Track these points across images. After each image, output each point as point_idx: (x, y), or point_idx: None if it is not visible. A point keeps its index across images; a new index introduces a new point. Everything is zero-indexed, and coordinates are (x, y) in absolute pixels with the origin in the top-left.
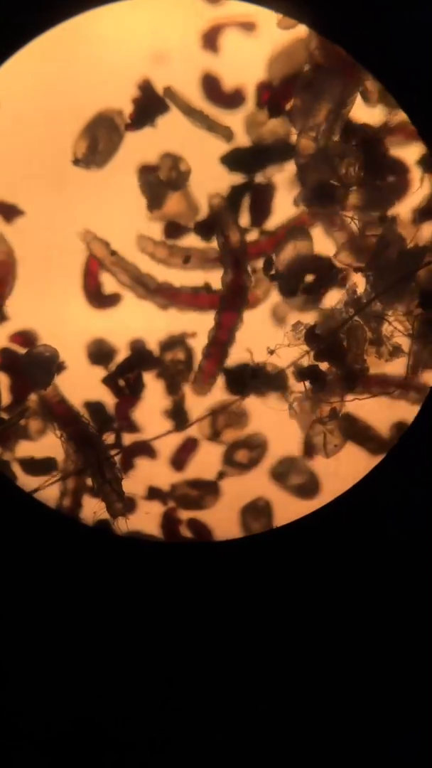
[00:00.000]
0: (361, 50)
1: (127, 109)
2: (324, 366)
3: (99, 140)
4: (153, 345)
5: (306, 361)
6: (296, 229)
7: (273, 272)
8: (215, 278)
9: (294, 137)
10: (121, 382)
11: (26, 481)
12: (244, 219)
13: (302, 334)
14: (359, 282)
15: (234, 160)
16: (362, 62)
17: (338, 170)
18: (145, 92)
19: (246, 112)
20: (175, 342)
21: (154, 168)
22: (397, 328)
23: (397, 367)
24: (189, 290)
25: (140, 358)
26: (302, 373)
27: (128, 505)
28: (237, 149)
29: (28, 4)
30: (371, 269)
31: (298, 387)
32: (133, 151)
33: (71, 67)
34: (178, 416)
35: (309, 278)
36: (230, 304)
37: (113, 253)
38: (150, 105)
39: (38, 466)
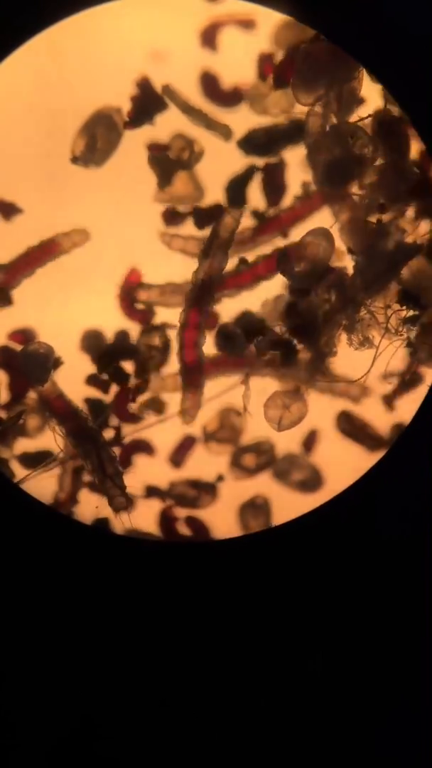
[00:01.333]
0: (360, 49)
1: (126, 107)
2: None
3: (97, 138)
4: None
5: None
6: (317, 231)
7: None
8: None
9: (299, 112)
10: (104, 377)
11: (22, 475)
12: (259, 201)
13: (282, 306)
14: (348, 265)
15: (249, 143)
16: (362, 62)
17: (351, 149)
18: (144, 90)
19: (249, 87)
20: (154, 329)
21: (165, 147)
22: (372, 319)
23: (364, 357)
24: (230, 274)
25: (120, 348)
26: (275, 344)
27: (130, 500)
28: (252, 131)
29: (27, 3)
30: (363, 255)
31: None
32: (133, 149)
33: (70, 65)
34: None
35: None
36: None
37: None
38: (148, 103)
39: (34, 460)
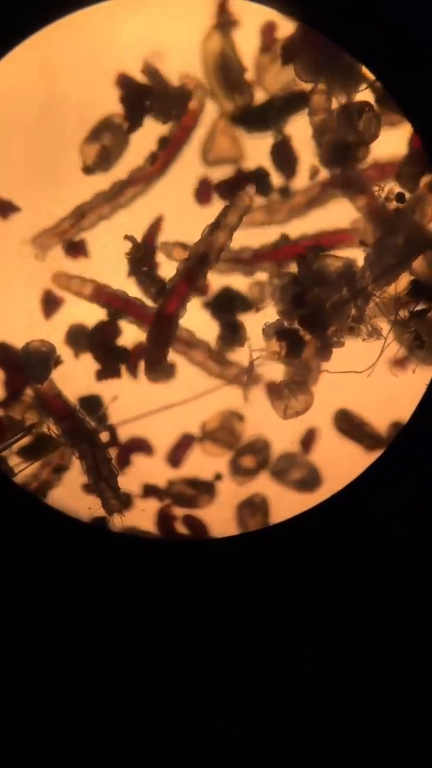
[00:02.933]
0: (359, 48)
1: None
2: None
3: (108, 146)
4: None
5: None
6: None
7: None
8: (293, 228)
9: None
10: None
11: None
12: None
13: (290, 295)
14: (358, 256)
15: (248, 119)
16: (361, 60)
17: (357, 126)
18: (127, 87)
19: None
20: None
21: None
22: (381, 311)
23: (372, 349)
24: (270, 247)
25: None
26: (281, 334)
27: (124, 502)
28: (249, 107)
29: (25, 2)
30: (374, 248)
31: (266, 346)
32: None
33: (68, 64)
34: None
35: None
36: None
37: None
38: (135, 95)
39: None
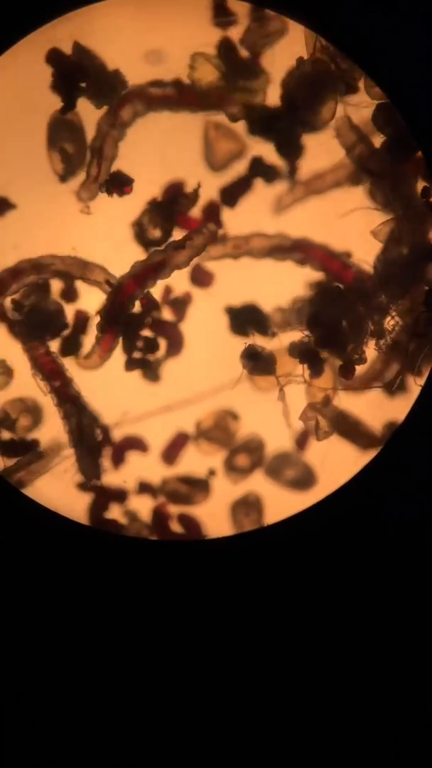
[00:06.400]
0: (360, 52)
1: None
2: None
3: (65, 147)
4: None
5: (306, 345)
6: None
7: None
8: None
9: None
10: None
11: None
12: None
13: (305, 317)
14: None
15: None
16: (361, 65)
17: None
18: (57, 62)
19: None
20: None
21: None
22: (399, 324)
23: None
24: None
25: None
26: (302, 356)
27: (98, 472)
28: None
29: (23, 1)
30: (379, 261)
31: (288, 370)
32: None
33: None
34: None
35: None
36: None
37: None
38: (67, 75)
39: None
